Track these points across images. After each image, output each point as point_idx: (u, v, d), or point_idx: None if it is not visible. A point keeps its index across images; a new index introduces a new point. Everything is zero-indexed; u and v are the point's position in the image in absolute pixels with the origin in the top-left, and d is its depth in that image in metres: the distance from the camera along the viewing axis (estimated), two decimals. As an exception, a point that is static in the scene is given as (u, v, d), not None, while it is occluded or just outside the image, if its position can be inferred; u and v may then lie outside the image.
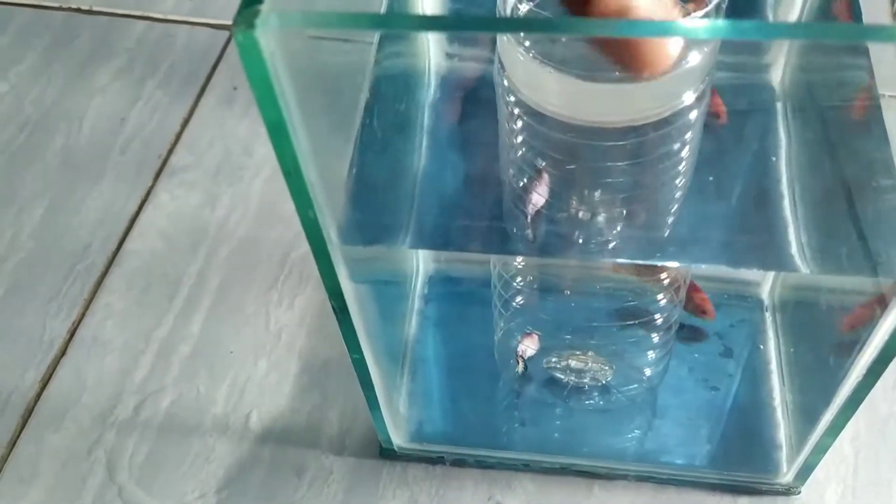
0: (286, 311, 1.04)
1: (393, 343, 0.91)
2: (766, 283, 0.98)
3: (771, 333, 0.96)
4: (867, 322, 0.65)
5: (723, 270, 0.98)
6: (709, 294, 0.92)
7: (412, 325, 0.97)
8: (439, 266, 1.03)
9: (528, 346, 0.91)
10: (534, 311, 0.90)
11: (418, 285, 1.01)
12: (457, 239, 0.66)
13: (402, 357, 0.94)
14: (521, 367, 0.90)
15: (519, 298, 0.92)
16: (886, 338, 0.65)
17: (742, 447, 0.90)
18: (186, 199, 1.15)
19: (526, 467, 0.90)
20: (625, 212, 0.61)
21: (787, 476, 0.88)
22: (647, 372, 0.92)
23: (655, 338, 0.90)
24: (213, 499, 0.90)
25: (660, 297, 0.89)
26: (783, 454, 0.88)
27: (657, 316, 0.89)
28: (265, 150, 1.20)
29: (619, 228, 0.58)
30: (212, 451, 0.93)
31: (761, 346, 0.95)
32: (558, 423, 0.92)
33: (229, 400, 0.97)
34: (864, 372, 0.69)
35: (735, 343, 0.96)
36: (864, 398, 0.70)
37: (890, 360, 0.67)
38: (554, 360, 0.93)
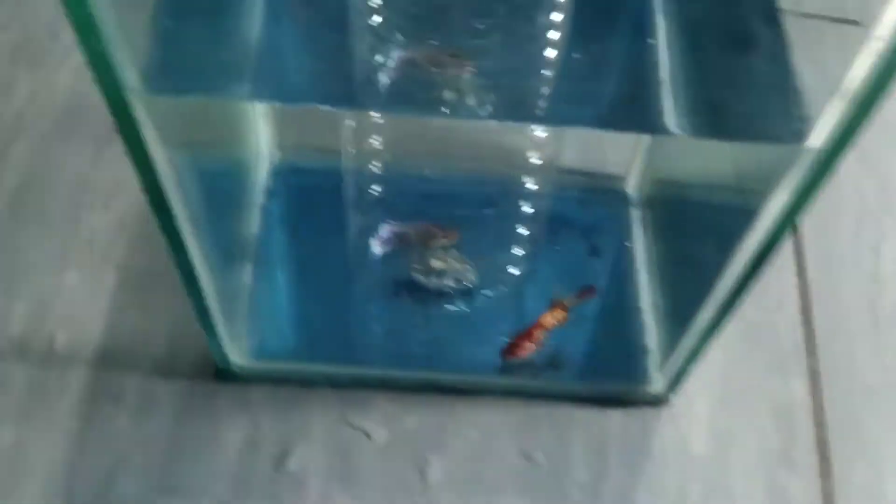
0: (100, 215, 0.86)
1: (229, 242, 0.76)
2: (632, 177, 0.89)
3: (638, 231, 0.87)
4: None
5: (588, 161, 0.88)
6: (574, 190, 0.82)
7: (254, 223, 0.82)
8: (285, 156, 0.88)
9: (385, 240, 0.78)
10: (391, 199, 0.77)
11: (261, 177, 0.86)
12: (301, 89, 0.52)
13: (240, 260, 0.79)
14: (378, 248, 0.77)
15: (375, 186, 0.79)
16: (765, 235, 0.57)
17: (610, 354, 0.81)
18: (-26, 86, 0.94)
19: (383, 385, 0.78)
20: (493, 65, 0.51)
21: (657, 385, 0.80)
22: (513, 271, 0.81)
23: (522, 231, 0.79)
24: (9, 434, 0.73)
25: (529, 182, 0.78)
26: (652, 361, 0.80)
27: (523, 206, 0.78)
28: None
29: (487, 87, 0.50)
30: (6, 378, 0.76)
31: (628, 244, 0.86)
32: (418, 334, 0.80)
33: (29, 319, 0.79)
34: (739, 273, 0.60)
35: (602, 241, 0.86)
36: (739, 301, 0.62)
37: (767, 260, 0.58)
38: (415, 264, 0.81)
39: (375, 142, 0.77)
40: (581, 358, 0.81)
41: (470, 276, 0.81)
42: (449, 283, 0.81)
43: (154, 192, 0.50)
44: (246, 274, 0.80)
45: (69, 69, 0.98)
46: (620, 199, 0.89)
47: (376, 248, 0.79)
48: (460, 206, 0.81)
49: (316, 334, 0.79)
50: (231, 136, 0.77)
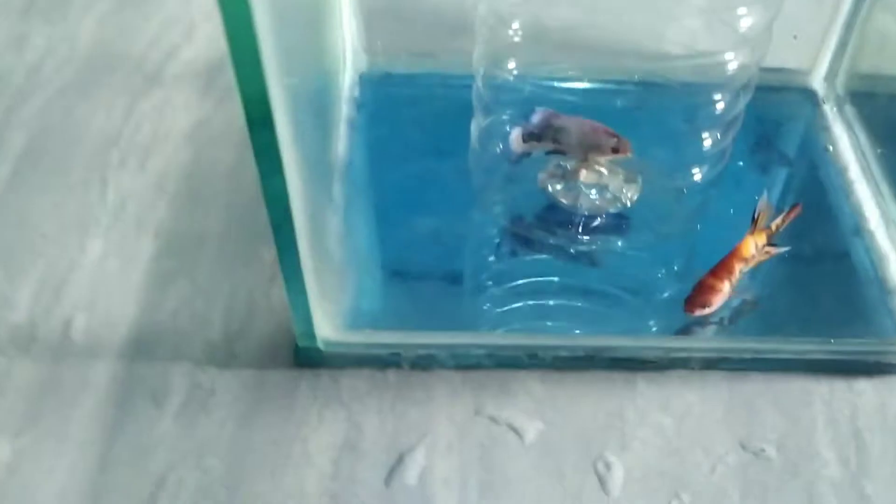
0: (134, 176, 0.65)
1: (320, 169, 0.53)
2: (819, 69, 0.65)
3: (840, 132, 0.62)
4: None
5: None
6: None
7: (340, 144, 0.60)
8: (374, 60, 0.66)
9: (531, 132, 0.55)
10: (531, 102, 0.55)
11: (346, 86, 0.64)
12: None
13: (328, 193, 0.56)
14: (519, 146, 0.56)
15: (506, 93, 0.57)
16: None
17: (842, 299, 0.56)
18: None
19: (532, 360, 0.53)
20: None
21: None
22: (687, 189, 0.58)
23: (707, 139, 0.56)
24: (6, 449, 0.49)
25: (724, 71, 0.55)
26: None
27: (717, 98, 0.54)
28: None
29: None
30: (7, 377, 0.53)
31: (829, 147, 0.61)
32: (569, 284, 0.56)
33: (38, 301, 0.57)
34: None
35: (791, 146, 0.62)
36: None
37: None
38: (554, 174, 0.58)
39: (512, 32, 0.55)
40: (799, 307, 0.56)
41: (633, 196, 0.57)
42: (603, 206, 0.58)
43: (260, 106, 0.37)
44: (335, 213, 0.57)
45: (93, 19, 0.77)
46: (806, 96, 0.66)
47: (516, 145, 0.55)
48: (617, 109, 0.58)
49: (431, 291, 0.56)
50: (314, 33, 0.55)
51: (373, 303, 0.56)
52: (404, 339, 0.54)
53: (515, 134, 0.56)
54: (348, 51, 0.69)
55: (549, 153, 0.57)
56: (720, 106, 0.55)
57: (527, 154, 0.57)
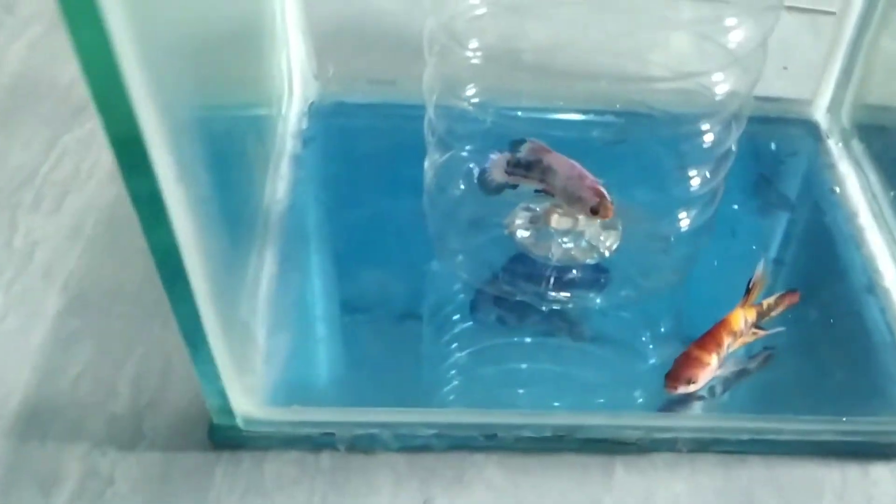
0: (47, 219, 0.56)
1: (240, 219, 0.45)
2: (822, 99, 0.57)
3: (847, 170, 0.54)
4: None
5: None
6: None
7: (281, 185, 0.52)
8: (326, 88, 0.58)
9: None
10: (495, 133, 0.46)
11: (291, 117, 0.56)
12: None
13: (254, 245, 0.48)
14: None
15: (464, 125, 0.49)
16: None
17: (859, 371, 0.48)
18: None
19: (490, 441, 0.44)
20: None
21: None
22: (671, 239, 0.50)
23: (695, 178, 0.48)
24: None
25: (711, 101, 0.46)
26: None
27: (705, 129, 0.46)
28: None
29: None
30: None
31: (836, 189, 0.53)
32: (540, 350, 0.47)
33: None
34: None
35: (791, 186, 0.54)
36: None
37: None
38: (523, 219, 0.50)
39: (470, 53, 0.47)
40: (805, 380, 0.47)
41: (611, 245, 0.49)
42: (581, 255, 0.49)
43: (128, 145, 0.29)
44: (263, 266, 0.48)
45: (23, 44, 0.69)
46: (807, 129, 0.57)
47: (497, 173, 0.47)
48: (594, 142, 0.49)
49: (373, 359, 0.47)
50: (236, 58, 0.47)
51: (304, 373, 0.47)
52: (340, 416, 0.46)
53: (499, 160, 0.47)
54: (295, 78, 0.61)
55: (536, 191, 0.48)
56: (709, 137, 0.47)
57: (509, 186, 0.48)
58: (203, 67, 0.38)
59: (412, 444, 0.46)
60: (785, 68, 0.61)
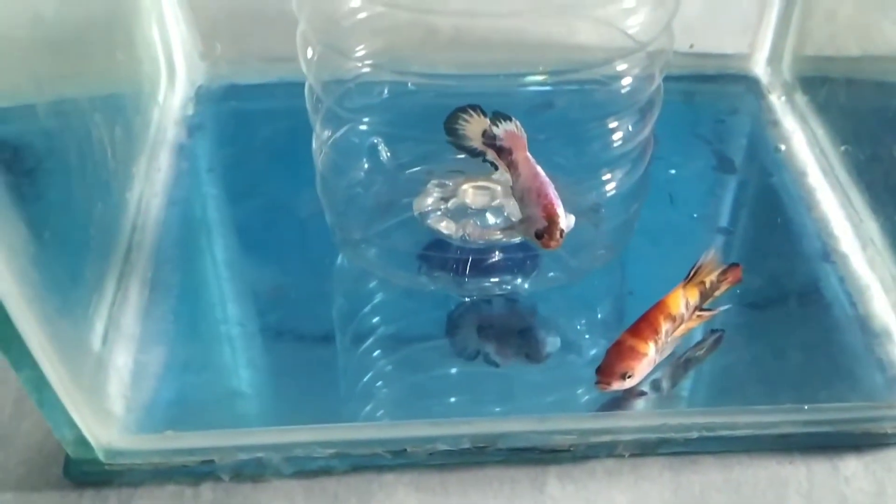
0: None
1: (89, 225, 0.37)
2: (761, 51, 0.49)
3: (792, 126, 0.46)
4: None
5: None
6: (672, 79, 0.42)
7: (158, 179, 0.43)
8: (214, 69, 0.49)
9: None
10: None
11: (174, 103, 0.47)
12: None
13: (118, 250, 0.39)
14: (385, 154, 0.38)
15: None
16: None
17: (819, 350, 0.40)
18: None
19: (399, 459, 0.36)
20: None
21: None
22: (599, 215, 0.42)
23: (617, 137, 0.39)
24: None
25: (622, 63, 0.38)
26: None
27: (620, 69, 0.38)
28: None
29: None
30: None
31: (782, 147, 0.45)
32: (456, 348, 0.39)
33: None
34: None
35: (734, 147, 0.46)
36: None
37: None
38: (432, 197, 0.41)
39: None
40: (760, 364, 0.39)
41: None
42: (496, 235, 0.41)
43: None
44: (133, 273, 0.39)
45: None
46: (747, 85, 0.51)
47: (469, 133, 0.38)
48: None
49: (260, 373, 0.38)
50: (100, 41, 0.39)
51: (181, 395, 0.38)
52: (220, 440, 0.37)
53: (478, 121, 0.38)
54: (177, 58, 0.52)
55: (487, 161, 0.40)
56: (626, 82, 0.39)
57: (478, 154, 0.39)
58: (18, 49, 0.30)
59: (308, 468, 0.37)
60: (691, 46, 0.53)
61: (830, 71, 0.51)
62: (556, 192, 0.37)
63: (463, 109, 0.38)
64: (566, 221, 0.37)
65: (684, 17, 0.42)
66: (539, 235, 0.37)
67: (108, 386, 0.38)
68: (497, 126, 0.38)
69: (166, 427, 0.38)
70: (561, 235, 0.37)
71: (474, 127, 0.39)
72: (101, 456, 0.37)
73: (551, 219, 0.37)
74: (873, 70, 0.48)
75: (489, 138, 0.39)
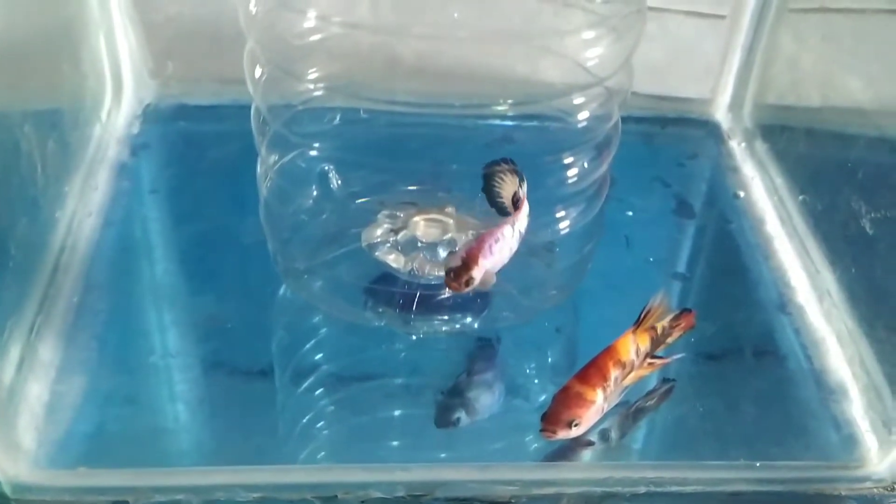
0: None
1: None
2: (722, 96, 0.47)
3: (751, 172, 0.45)
4: None
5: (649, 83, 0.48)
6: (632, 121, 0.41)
7: (94, 199, 0.39)
8: (165, 88, 0.46)
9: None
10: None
11: (119, 120, 0.44)
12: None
13: (39, 270, 0.35)
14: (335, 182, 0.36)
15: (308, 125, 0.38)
16: None
17: (773, 405, 0.38)
18: None
19: None
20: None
21: (872, 462, 0.35)
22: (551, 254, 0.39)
23: (572, 173, 0.37)
24: None
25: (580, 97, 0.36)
26: (855, 414, 0.36)
27: (577, 102, 0.36)
28: None
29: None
30: None
31: (740, 194, 0.43)
32: (396, 388, 0.36)
33: None
34: None
35: (693, 191, 0.44)
36: None
37: None
38: (382, 228, 0.38)
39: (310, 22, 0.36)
40: (712, 418, 0.36)
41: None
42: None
43: None
44: (58, 297, 0.36)
45: None
46: (708, 130, 0.47)
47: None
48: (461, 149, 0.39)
49: (186, 408, 0.35)
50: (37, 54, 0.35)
51: (96, 428, 0.34)
52: (136, 479, 0.33)
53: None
54: (126, 75, 0.49)
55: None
56: (583, 116, 0.36)
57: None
58: None
59: (237, 513, 0.33)
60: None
61: (790, 119, 0.50)
62: (496, 250, 0.35)
63: (498, 165, 0.36)
64: (481, 275, 0.35)
65: (647, 59, 0.40)
66: (447, 272, 0.35)
67: (19, 417, 0.34)
68: (521, 188, 0.36)
69: (80, 463, 0.34)
70: (467, 284, 0.34)
71: (508, 187, 0.37)
72: (7, 490, 0.33)
73: (465, 263, 0.35)
74: (833, 121, 0.46)
75: (517, 201, 0.37)
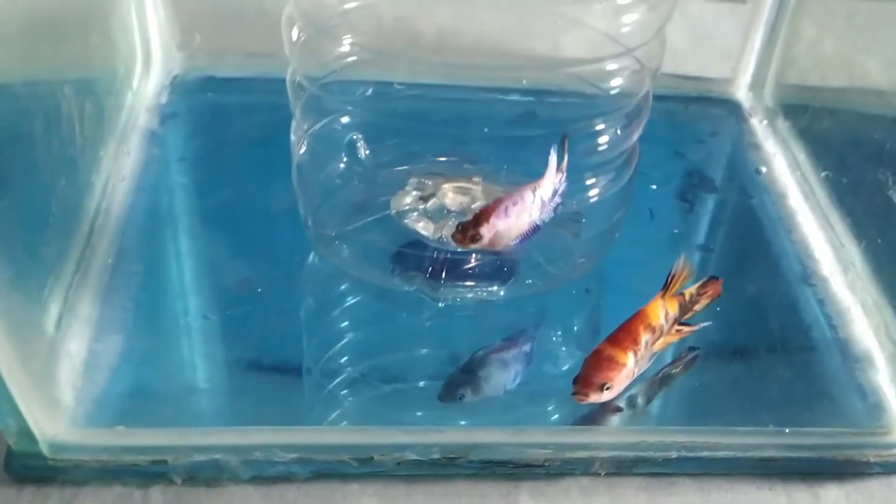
0: None
1: (44, 208, 0.33)
2: (743, 76, 0.47)
3: (773, 149, 0.44)
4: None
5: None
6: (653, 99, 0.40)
7: (126, 165, 0.39)
8: (192, 60, 0.46)
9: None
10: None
11: (148, 90, 0.44)
12: None
13: (78, 232, 0.35)
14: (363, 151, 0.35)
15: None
16: None
17: (800, 374, 0.37)
18: None
19: (365, 467, 0.32)
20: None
21: None
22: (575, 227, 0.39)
23: (603, 140, 0.37)
24: None
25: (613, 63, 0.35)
26: (882, 383, 0.35)
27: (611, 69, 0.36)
28: None
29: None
30: None
31: (763, 170, 0.43)
32: (429, 353, 0.36)
33: None
34: None
35: (713, 170, 0.44)
36: None
37: None
38: (410, 196, 0.38)
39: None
40: (741, 387, 0.36)
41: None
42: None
43: None
44: (94, 258, 0.36)
45: None
46: (729, 108, 0.50)
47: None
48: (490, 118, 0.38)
49: (221, 370, 0.35)
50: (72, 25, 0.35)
51: (137, 388, 0.34)
52: (175, 438, 0.33)
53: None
54: (155, 47, 0.48)
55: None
56: (616, 83, 0.36)
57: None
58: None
59: (267, 473, 0.33)
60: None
61: (812, 99, 0.50)
62: (514, 213, 0.35)
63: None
64: (491, 235, 0.34)
65: (668, 39, 0.40)
66: (457, 226, 0.35)
67: (59, 373, 0.34)
68: (553, 155, 0.36)
69: (117, 422, 0.34)
70: (472, 240, 0.34)
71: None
72: (45, 450, 0.33)
73: (476, 219, 0.34)
74: (855, 101, 0.46)
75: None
